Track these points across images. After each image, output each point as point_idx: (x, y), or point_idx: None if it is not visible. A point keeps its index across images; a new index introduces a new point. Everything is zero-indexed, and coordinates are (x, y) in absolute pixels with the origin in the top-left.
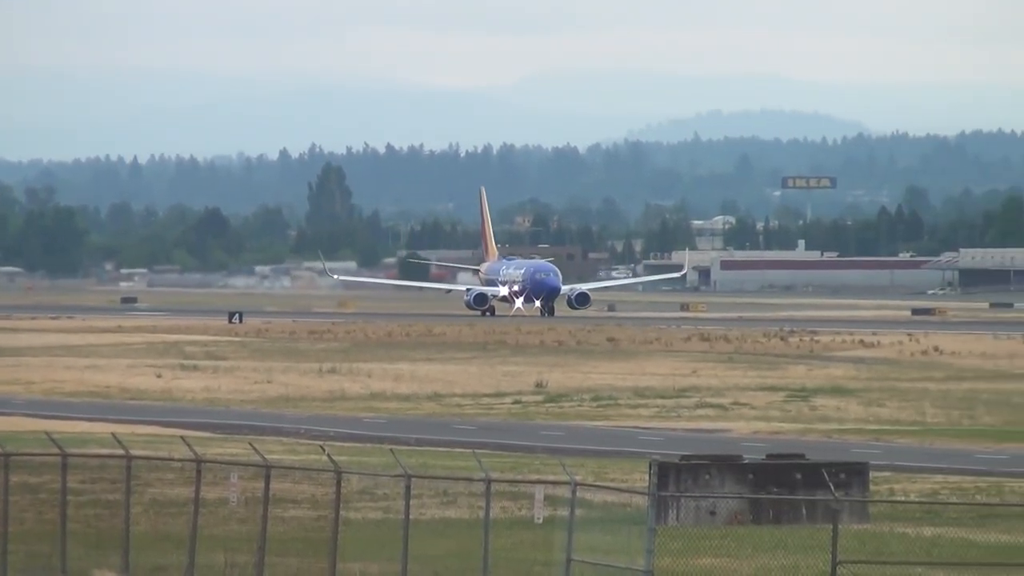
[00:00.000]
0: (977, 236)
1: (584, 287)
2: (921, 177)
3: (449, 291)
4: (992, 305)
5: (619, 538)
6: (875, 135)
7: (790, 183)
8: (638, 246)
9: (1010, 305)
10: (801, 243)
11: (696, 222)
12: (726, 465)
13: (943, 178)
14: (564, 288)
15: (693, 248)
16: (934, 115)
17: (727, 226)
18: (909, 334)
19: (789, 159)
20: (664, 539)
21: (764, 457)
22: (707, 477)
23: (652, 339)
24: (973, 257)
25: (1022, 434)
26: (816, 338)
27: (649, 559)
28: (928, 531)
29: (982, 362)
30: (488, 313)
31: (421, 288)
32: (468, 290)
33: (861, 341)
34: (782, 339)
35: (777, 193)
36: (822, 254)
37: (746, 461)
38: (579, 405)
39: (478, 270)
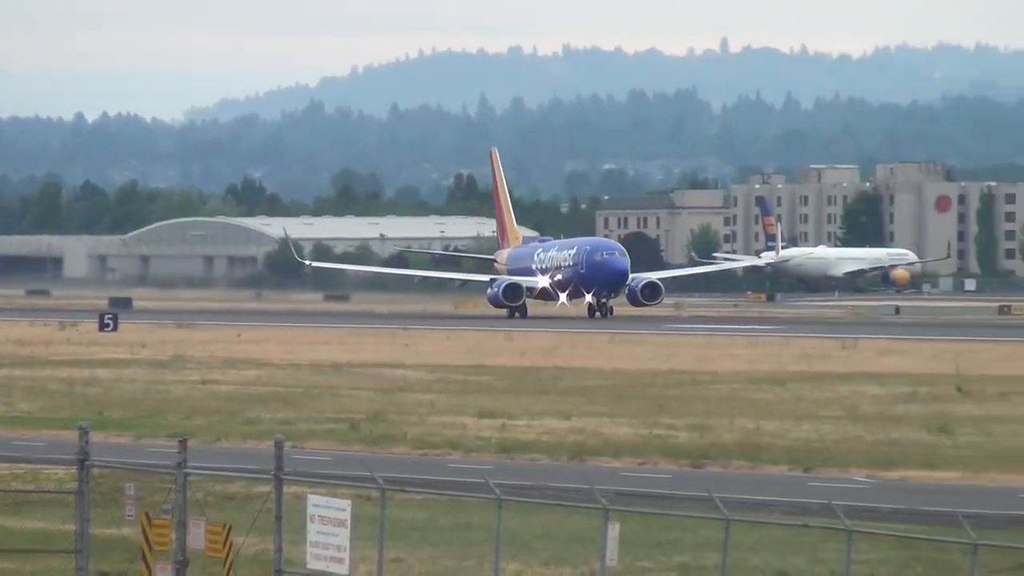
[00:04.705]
0: (15, 222)
1: (652, 275)
2: None
3: (464, 283)
4: (28, 292)
5: None
6: None
7: None
8: None
9: (47, 292)
10: None
11: None
12: None
13: None
14: None
15: None
16: None
17: None
18: None
19: None
20: None
21: None
22: None
23: None
24: (11, 244)
25: (56, 420)
26: None
27: None
28: None
29: (17, 348)
30: (518, 314)
31: (425, 278)
32: (492, 281)
33: None
34: None
35: None
36: None
37: None
38: None
39: (493, 259)
